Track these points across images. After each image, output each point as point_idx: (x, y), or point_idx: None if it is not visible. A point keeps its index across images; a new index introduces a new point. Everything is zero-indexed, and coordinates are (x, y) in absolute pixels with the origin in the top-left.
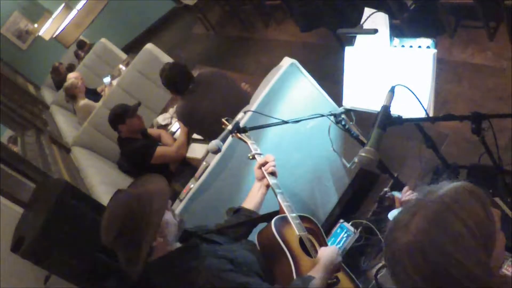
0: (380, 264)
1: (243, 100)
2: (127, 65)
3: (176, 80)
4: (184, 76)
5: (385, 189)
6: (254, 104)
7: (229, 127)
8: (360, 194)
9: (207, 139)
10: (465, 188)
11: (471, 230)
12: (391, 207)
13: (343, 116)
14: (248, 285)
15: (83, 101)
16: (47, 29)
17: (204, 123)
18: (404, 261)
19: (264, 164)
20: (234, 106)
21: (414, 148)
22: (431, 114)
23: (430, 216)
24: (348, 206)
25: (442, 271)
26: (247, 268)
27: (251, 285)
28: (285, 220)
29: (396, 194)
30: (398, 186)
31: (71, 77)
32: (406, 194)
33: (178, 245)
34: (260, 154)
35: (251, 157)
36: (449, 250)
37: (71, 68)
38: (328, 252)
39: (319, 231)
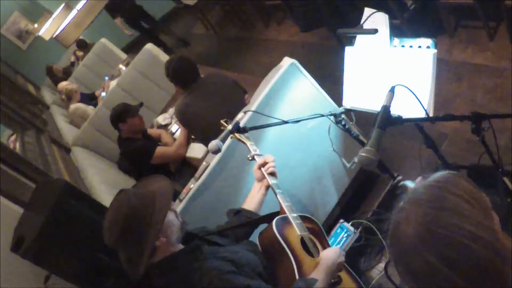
0: (381, 268)
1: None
2: (127, 65)
3: (182, 73)
4: (190, 70)
5: (399, 178)
6: (254, 104)
7: (229, 127)
8: (360, 194)
9: (201, 142)
10: (451, 173)
11: (466, 200)
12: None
13: (343, 116)
14: (250, 287)
15: (74, 105)
16: (47, 29)
17: (200, 125)
18: (418, 249)
19: (263, 164)
20: (233, 113)
21: (414, 148)
22: (431, 114)
23: (427, 201)
24: (348, 206)
25: (454, 243)
26: (249, 269)
27: (253, 287)
28: (286, 220)
29: (409, 184)
30: (398, 186)
31: (63, 85)
32: None
33: (181, 246)
34: (259, 154)
35: (250, 158)
36: (453, 222)
37: (67, 72)
38: (330, 253)
39: (320, 231)
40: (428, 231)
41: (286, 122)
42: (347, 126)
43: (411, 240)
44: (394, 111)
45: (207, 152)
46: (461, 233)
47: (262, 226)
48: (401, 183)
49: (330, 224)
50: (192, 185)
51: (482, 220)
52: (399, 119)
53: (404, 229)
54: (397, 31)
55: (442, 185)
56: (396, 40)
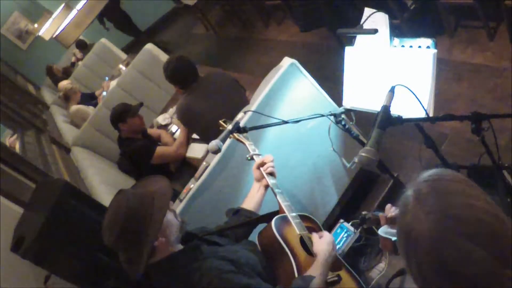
0: (381, 268)
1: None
2: (127, 65)
3: (181, 73)
4: (189, 70)
5: (363, 213)
6: (254, 104)
7: (229, 127)
8: (360, 194)
9: (202, 141)
10: (439, 168)
11: (465, 183)
12: (375, 227)
13: (343, 116)
14: (250, 286)
15: (75, 107)
16: (47, 29)
17: (201, 124)
18: (440, 239)
19: (262, 164)
20: (234, 112)
21: (414, 148)
22: (431, 114)
23: (428, 192)
24: (348, 206)
25: (470, 220)
26: (249, 269)
27: (253, 286)
28: (285, 219)
29: (379, 213)
30: (398, 186)
31: (64, 84)
32: (391, 210)
33: (180, 246)
34: (258, 154)
35: (249, 158)
36: (461, 201)
37: (67, 72)
38: (323, 246)
39: (319, 230)
40: (443, 217)
41: (286, 122)
42: (347, 126)
43: (430, 233)
44: (394, 111)
45: (207, 152)
46: (472, 209)
47: (262, 226)
48: (368, 216)
49: (330, 224)
50: (192, 185)
51: (484, 197)
52: (399, 119)
53: (418, 228)
54: (397, 31)
55: (437, 176)
56: (396, 40)
